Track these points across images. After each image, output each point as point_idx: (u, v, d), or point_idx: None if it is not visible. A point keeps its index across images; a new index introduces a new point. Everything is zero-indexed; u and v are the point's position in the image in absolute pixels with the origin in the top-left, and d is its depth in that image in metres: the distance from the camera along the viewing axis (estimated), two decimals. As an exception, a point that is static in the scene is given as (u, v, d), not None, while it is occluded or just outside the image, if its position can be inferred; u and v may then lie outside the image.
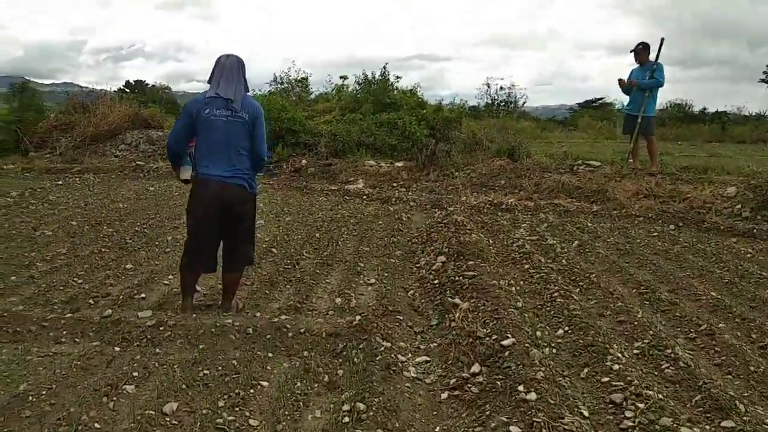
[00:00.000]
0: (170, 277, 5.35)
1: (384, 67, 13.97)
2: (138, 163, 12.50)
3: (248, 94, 4.26)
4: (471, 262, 5.00)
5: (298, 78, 16.23)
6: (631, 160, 8.94)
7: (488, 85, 26.47)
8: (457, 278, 4.74)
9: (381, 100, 13.49)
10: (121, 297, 4.75)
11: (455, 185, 9.43)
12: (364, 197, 9.39)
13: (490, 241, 6.11)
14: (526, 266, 5.15)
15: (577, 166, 9.33)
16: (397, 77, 13.94)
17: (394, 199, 9.08)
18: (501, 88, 26.49)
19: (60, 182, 10.47)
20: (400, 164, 10.70)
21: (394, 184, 9.95)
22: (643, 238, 6.30)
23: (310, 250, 6.31)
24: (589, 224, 6.87)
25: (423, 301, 4.75)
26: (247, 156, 4.18)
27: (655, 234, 6.46)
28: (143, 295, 4.83)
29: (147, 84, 44.32)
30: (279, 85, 15.87)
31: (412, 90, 14.06)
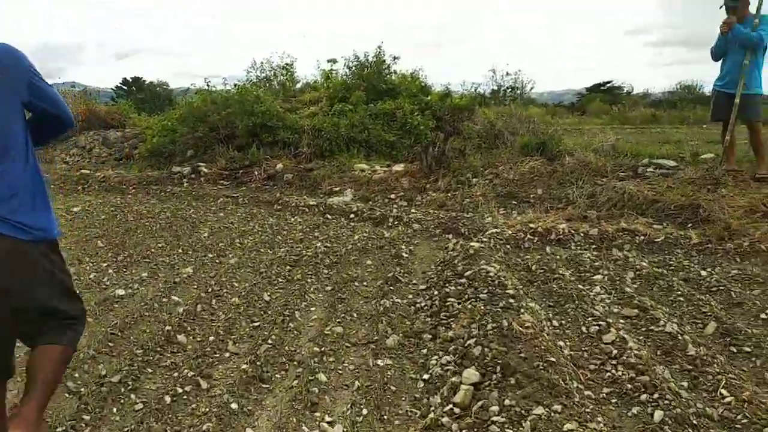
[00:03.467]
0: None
1: (379, 47, 11.10)
2: (84, 171, 9.77)
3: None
4: (539, 412, 2.23)
5: (282, 64, 13.38)
6: (726, 160, 6.04)
7: (494, 71, 23.69)
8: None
9: (376, 86, 10.65)
10: None
11: (474, 197, 6.62)
12: (351, 216, 6.60)
13: (555, 323, 3.30)
14: (649, 408, 2.35)
15: (643, 168, 6.47)
16: (395, 58, 11.07)
17: (391, 220, 6.29)
18: (507, 73, 23.64)
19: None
20: (399, 168, 7.88)
21: (392, 196, 7.15)
22: (814, 303, 3.48)
23: (243, 334, 3.56)
24: (703, 272, 4.04)
25: None
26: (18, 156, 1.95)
27: (828, 293, 3.62)
28: None
29: (144, 81, 41.73)
30: (258, 73, 13.04)
31: (413, 74, 11.19)
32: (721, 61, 6.00)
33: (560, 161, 7.09)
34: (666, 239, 4.71)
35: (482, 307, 3.31)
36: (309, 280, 4.45)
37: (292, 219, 6.59)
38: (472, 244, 4.67)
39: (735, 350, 2.88)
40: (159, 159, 10.26)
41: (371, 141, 9.34)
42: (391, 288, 4.20)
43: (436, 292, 3.98)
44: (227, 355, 3.29)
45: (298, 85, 13.77)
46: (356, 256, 5.07)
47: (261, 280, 4.44)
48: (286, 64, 13.13)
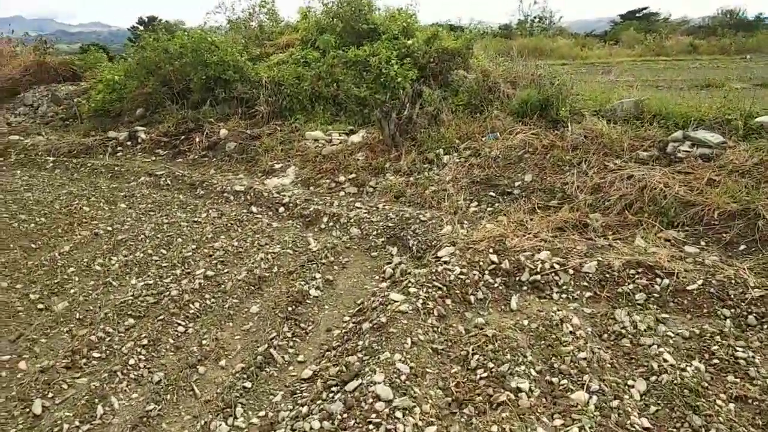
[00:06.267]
0: None
1: (361, -22, 8.84)
2: (12, 137, 8.16)
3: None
4: None
5: (261, 2, 11.20)
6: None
7: (521, 0, 20.87)
8: None
9: (354, 26, 8.53)
10: None
11: (442, 183, 4.75)
12: (281, 210, 4.85)
13: None
14: None
15: (675, 145, 4.44)
16: (379, -9, 8.83)
17: (326, 219, 4.52)
18: (534, 1, 20.74)
19: None
20: (357, 138, 5.98)
21: (341, 179, 5.32)
22: None
23: None
24: (773, 383, 2.20)
25: None
26: None
27: None
28: None
29: (160, 20, 39.29)
30: (228, 15, 10.93)
31: (401, 11, 8.95)
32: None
33: (562, 131, 5.08)
34: (704, 286, 2.82)
35: None
36: (140, 355, 2.78)
37: (204, 214, 4.88)
38: (393, 296, 2.89)
39: None
40: (105, 120, 8.58)
41: (341, 97, 7.40)
42: (247, 386, 2.50)
43: (304, 410, 2.27)
44: None
45: (282, 25, 11.63)
46: (241, 296, 3.37)
47: (68, 354, 2.80)
48: (263, 0, 10.94)
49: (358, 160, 5.50)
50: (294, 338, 2.90)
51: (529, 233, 3.62)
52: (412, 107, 5.60)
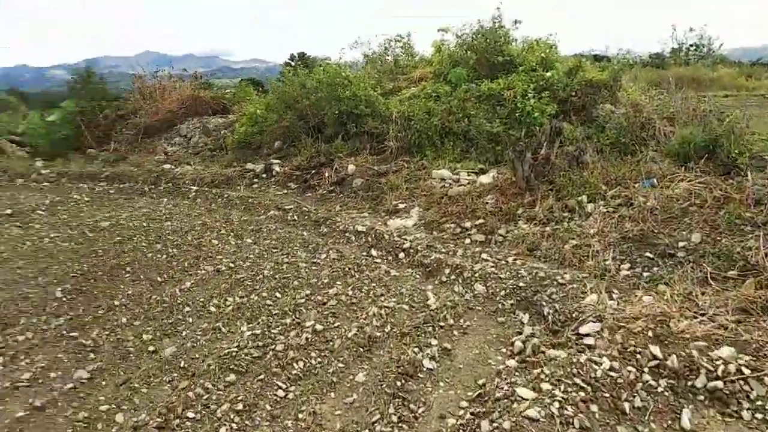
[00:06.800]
0: None
1: (498, 8, 8.42)
2: (166, 166, 8.81)
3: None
4: None
5: (396, 37, 11.19)
6: None
7: (674, 28, 19.05)
8: None
9: (489, 59, 8.08)
10: None
11: (585, 237, 4.08)
12: (401, 255, 4.49)
13: None
14: None
15: None
16: (516, 22, 8.31)
17: (447, 271, 4.07)
18: (690, 29, 18.71)
19: (47, 201, 7.16)
20: (487, 179, 5.46)
21: (467, 224, 4.83)
22: None
23: None
24: None
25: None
26: None
27: None
28: None
29: (308, 56, 41.87)
30: (365, 49, 11.01)
31: (539, 41, 8.33)
32: None
33: (739, 180, 4.17)
34: None
35: None
36: (233, 423, 2.53)
37: (324, 255, 4.67)
38: (521, 392, 2.34)
39: None
40: (246, 151, 8.96)
41: (471, 133, 6.96)
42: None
43: None
44: None
45: (417, 59, 11.53)
46: (347, 359, 3.03)
47: (163, 411, 2.62)
48: (398, 35, 10.93)
49: (487, 203, 4.99)
50: (400, 423, 2.47)
51: (701, 313, 2.85)
52: (549, 146, 4.99)
